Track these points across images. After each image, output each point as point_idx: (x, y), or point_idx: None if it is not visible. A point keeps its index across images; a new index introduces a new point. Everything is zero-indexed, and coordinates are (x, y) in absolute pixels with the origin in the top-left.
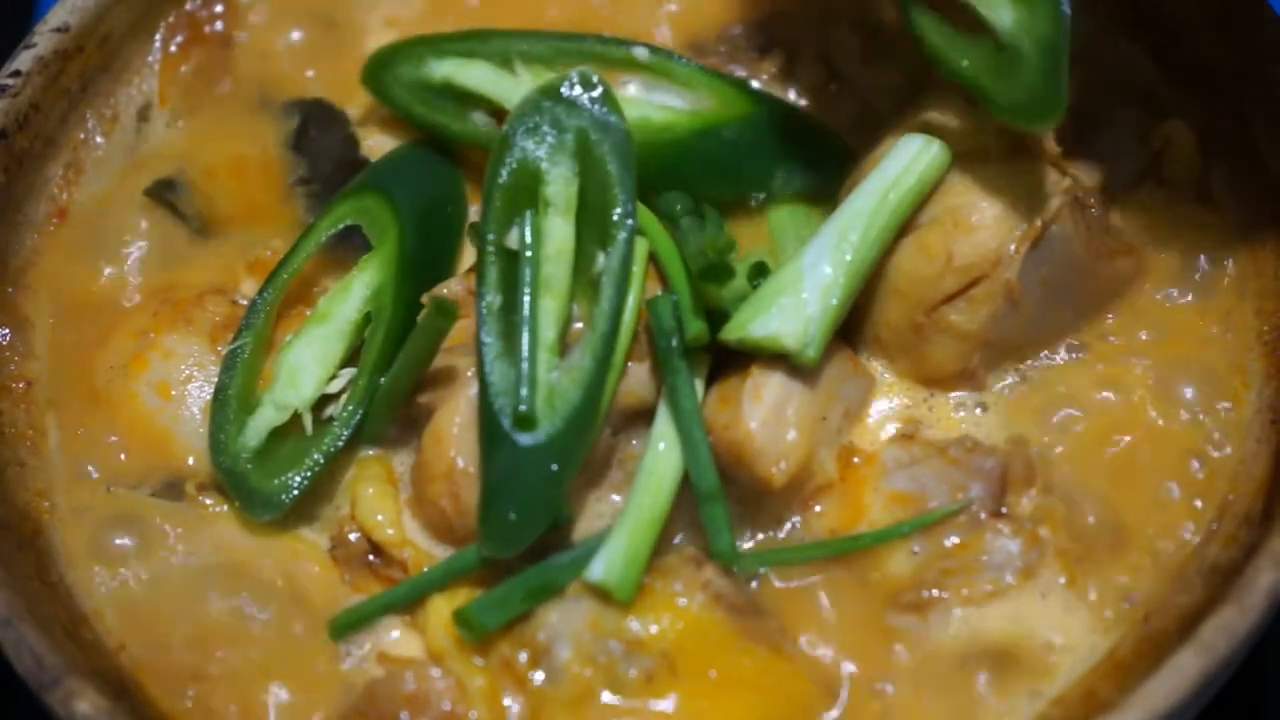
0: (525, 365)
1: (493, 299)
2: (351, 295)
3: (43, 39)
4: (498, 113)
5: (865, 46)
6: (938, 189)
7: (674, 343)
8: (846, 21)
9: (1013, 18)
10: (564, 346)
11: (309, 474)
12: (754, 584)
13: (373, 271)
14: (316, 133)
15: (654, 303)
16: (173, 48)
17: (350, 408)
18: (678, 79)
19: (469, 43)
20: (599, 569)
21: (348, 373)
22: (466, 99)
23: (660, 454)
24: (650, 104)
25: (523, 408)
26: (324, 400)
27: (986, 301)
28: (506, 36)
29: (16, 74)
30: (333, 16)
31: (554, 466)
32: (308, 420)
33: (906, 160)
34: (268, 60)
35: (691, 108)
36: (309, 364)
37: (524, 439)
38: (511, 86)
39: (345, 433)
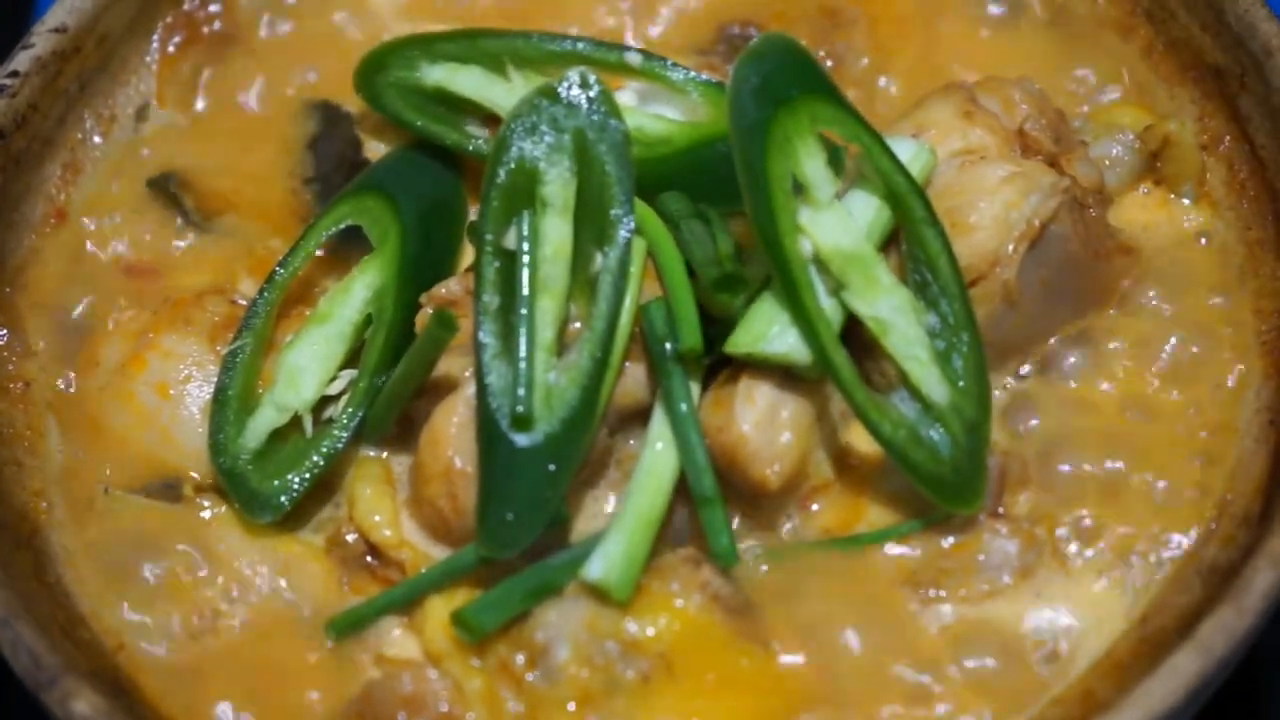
0: (523, 366)
1: (490, 299)
2: (352, 296)
3: (40, 39)
4: (491, 119)
5: (864, 46)
6: (936, 190)
7: (668, 349)
8: (845, 21)
9: (947, 396)
10: (561, 347)
11: (309, 476)
12: (751, 585)
13: (374, 273)
14: (322, 132)
15: (647, 309)
16: (171, 48)
17: (350, 410)
18: (671, 85)
19: (459, 43)
20: (597, 568)
21: (348, 374)
22: (460, 105)
23: (658, 453)
24: (645, 113)
25: (520, 408)
26: (323, 401)
27: (984, 302)
28: (497, 37)
29: (14, 74)
30: (333, 13)
31: (551, 467)
32: (308, 422)
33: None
34: (268, 59)
35: (687, 116)
36: (309, 365)
37: (521, 439)
38: (504, 93)
39: (345, 435)
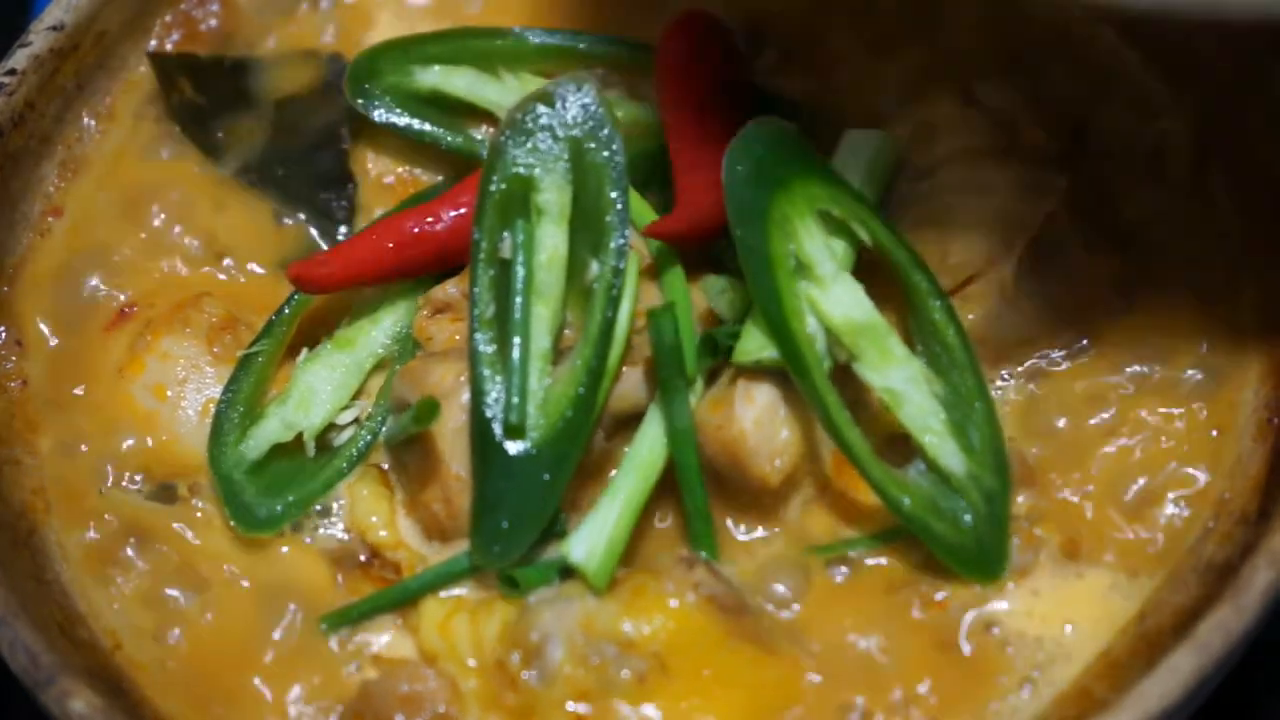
0: (517, 374)
1: (485, 307)
2: (379, 328)
3: (38, 37)
4: (488, 118)
5: (862, 44)
6: (933, 187)
7: (675, 362)
8: (843, 18)
9: (964, 467)
10: (557, 354)
11: (304, 502)
12: (747, 585)
13: (407, 310)
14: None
15: (655, 318)
16: (168, 46)
17: (359, 446)
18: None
19: (450, 43)
20: (580, 551)
21: (360, 405)
22: (456, 107)
23: (647, 446)
24: (635, 103)
25: (514, 417)
26: (329, 425)
27: (980, 300)
28: (487, 36)
29: (12, 72)
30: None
31: (546, 475)
32: (311, 445)
33: (867, 157)
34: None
35: None
36: (324, 389)
37: (515, 448)
38: (499, 92)
39: (346, 469)
